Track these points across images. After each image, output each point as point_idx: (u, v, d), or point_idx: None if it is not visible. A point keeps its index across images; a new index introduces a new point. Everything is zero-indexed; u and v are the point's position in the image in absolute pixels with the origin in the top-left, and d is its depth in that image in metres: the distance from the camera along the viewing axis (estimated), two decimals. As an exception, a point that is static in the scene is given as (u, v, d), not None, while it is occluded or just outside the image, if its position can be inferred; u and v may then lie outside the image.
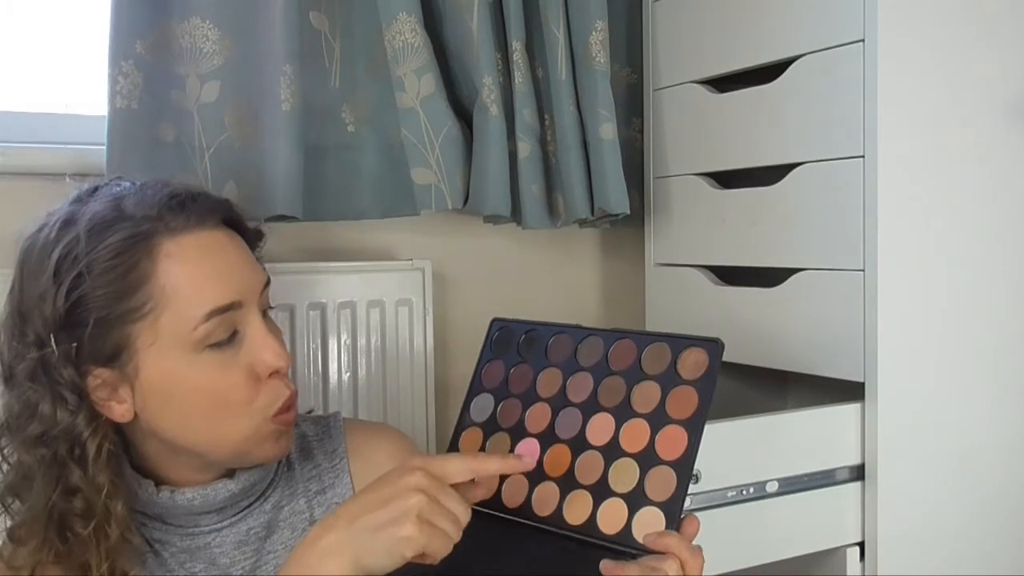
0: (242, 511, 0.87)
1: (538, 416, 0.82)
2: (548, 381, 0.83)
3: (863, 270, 1.08)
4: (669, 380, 0.77)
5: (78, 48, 1.26)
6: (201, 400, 0.79)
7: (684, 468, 0.73)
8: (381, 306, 1.30)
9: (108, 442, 0.78)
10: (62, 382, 0.76)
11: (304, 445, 0.94)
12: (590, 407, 0.80)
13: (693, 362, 0.77)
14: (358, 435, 0.96)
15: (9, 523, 0.82)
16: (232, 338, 0.80)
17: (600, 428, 0.79)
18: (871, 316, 1.07)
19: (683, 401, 0.76)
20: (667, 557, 0.70)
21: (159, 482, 0.84)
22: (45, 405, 0.76)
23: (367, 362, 1.29)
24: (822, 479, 1.08)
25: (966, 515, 1.16)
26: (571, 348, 0.84)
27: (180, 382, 0.78)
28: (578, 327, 0.85)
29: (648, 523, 0.73)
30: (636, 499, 0.74)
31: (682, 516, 0.73)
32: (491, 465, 0.75)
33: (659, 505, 0.73)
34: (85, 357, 0.76)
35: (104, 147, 1.10)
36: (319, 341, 1.26)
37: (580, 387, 0.81)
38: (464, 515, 0.70)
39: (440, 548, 0.68)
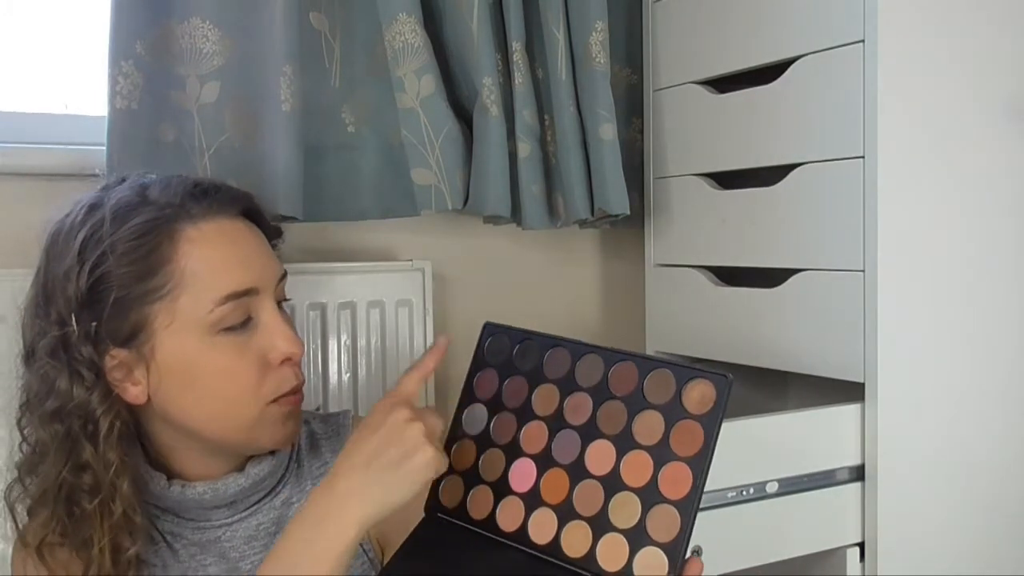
0: (252, 506, 0.89)
1: (534, 435, 0.80)
2: (544, 398, 0.81)
3: (863, 270, 1.08)
4: (673, 412, 0.74)
5: (78, 48, 1.26)
6: (212, 383, 0.80)
7: (688, 508, 0.71)
8: (381, 306, 1.30)
9: (120, 421, 0.81)
10: (80, 359, 0.78)
11: (313, 443, 0.95)
12: (589, 432, 0.78)
13: (699, 395, 0.74)
14: None
15: (28, 502, 0.84)
16: (246, 323, 0.82)
17: (600, 456, 0.76)
18: (871, 316, 1.07)
19: (688, 437, 0.73)
20: None
21: (171, 475, 0.86)
22: (62, 381, 0.79)
23: (367, 362, 1.29)
24: (822, 479, 1.08)
25: (966, 515, 1.16)
26: (568, 364, 0.81)
27: (193, 364, 0.80)
28: (576, 342, 0.82)
29: (649, 564, 0.71)
30: (637, 537, 0.72)
31: (686, 557, 0.71)
32: (428, 363, 0.81)
33: (662, 546, 0.71)
34: (104, 336, 0.79)
35: (104, 147, 1.10)
36: (319, 341, 1.26)
37: (578, 408, 0.79)
38: (442, 425, 0.78)
39: (444, 462, 0.75)
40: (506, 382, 0.83)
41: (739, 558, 1.04)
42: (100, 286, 0.78)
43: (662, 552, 0.71)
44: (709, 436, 0.72)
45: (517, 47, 1.31)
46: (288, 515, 0.90)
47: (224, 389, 0.81)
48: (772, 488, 1.05)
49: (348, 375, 1.28)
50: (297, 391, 0.86)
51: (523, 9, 1.33)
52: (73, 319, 0.78)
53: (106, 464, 0.79)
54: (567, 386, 0.80)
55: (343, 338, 1.28)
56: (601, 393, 0.79)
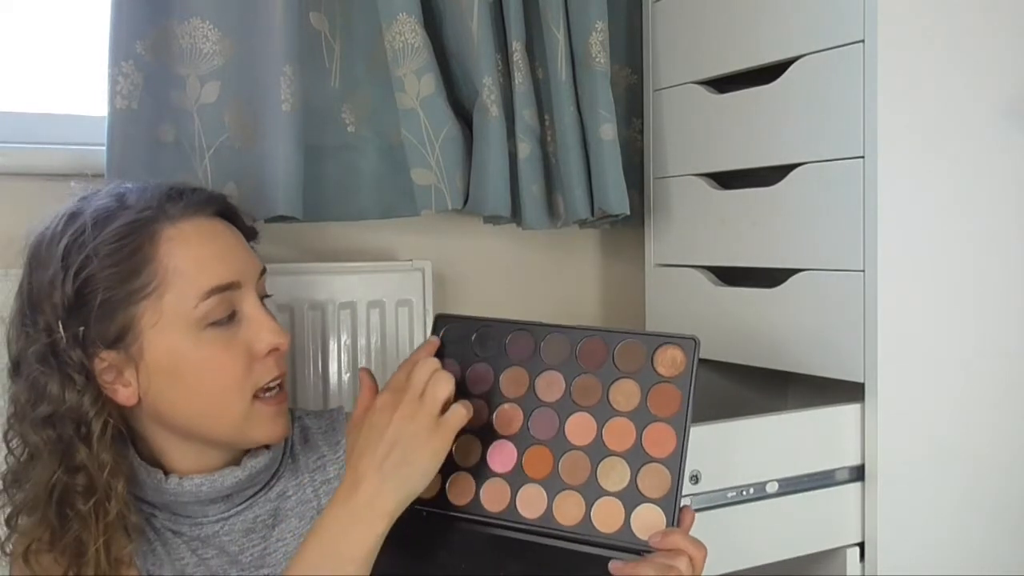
0: (247, 500, 0.90)
1: (508, 417, 0.81)
2: (513, 380, 0.82)
3: (863, 270, 1.08)
4: (647, 378, 0.77)
5: (78, 48, 1.26)
6: (201, 378, 0.82)
7: (676, 464, 0.74)
8: (381, 306, 1.30)
9: (113, 421, 0.82)
10: (70, 364, 0.79)
11: (307, 437, 0.96)
12: (565, 407, 0.80)
13: (670, 359, 0.77)
14: None
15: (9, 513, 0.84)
16: (232, 317, 0.84)
17: (580, 428, 0.78)
18: (871, 316, 1.07)
19: (665, 398, 0.76)
20: (677, 554, 0.72)
21: (167, 471, 0.86)
22: (54, 386, 0.79)
23: (367, 362, 1.29)
24: (822, 479, 1.08)
25: (966, 515, 1.16)
26: (532, 346, 0.83)
27: (182, 360, 0.81)
28: (537, 324, 0.84)
29: (647, 520, 0.74)
30: (631, 497, 0.75)
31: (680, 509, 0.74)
32: (419, 357, 0.82)
33: (656, 502, 0.74)
34: (92, 339, 0.80)
35: (104, 147, 1.10)
36: (319, 341, 1.26)
37: (551, 386, 0.81)
38: (445, 388, 0.78)
39: (447, 440, 0.77)
40: (468, 370, 0.84)
41: (739, 558, 1.04)
42: (86, 290, 0.79)
43: (658, 507, 0.74)
44: (685, 395, 0.76)
45: (517, 47, 1.31)
46: (285, 508, 0.91)
47: (213, 383, 0.82)
48: (772, 488, 1.05)
49: (348, 375, 1.28)
50: (281, 385, 0.87)
51: (523, 9, 1.33)
52: (60, 325, 0.79)
53: (100, 465, 0.80)
54: (535, 367, 0.82)
55: (343, 338, 1.28)
56: (572, 369, 0.81)
